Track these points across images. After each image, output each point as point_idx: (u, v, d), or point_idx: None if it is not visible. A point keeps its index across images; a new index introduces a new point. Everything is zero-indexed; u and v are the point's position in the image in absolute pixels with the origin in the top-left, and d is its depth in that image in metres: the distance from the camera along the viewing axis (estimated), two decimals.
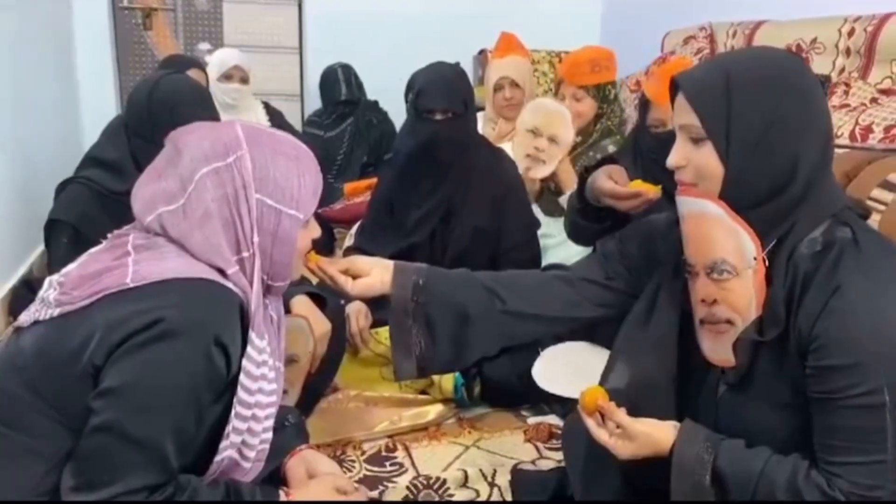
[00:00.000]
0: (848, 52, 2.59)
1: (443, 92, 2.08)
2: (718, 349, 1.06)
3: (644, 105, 1.97)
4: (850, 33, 2.58)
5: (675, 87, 1.08)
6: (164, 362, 0.99)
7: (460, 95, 2.10)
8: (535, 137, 2.32)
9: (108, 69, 3.95)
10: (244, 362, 1.08)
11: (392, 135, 3.88)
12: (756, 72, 1.02)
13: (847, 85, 2.50)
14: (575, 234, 1.71)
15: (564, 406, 1.87)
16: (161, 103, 1.81)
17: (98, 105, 3.71)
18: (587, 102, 2.48)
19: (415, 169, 2.14)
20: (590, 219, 1.57)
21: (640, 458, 1.10)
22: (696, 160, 1.04)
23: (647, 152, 1.89)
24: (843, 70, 2.59)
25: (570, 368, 1.77)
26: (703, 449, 1.03)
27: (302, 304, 1.68)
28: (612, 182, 1.47)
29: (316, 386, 1.75)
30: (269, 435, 1.16)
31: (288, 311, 1.66)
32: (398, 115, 3.89)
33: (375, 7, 4.13)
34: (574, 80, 2.47)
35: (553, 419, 1.92)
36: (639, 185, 1.46)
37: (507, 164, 2.24)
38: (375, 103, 3.95)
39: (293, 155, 1.14)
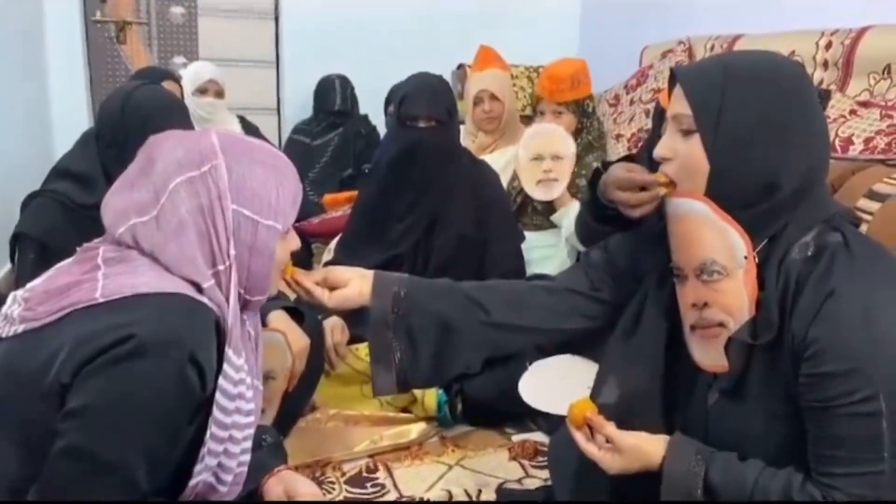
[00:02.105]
0: (826, 64, 2.60)
1: (427, 100, 2.07)
2: (711, 354, 1.03)
3: (659, 115, 1.94)
4: (828, 46, 2.60)
5: (673, 78, 1.07)
6: (135, 381, 0.93)
7: (444, 104, 2.10)
8: (541, 162, 2.33)
9: (80, 82, 3.88)
10: (221, 381, 1.02)
11: (376, 147, 3.86)
12: (754, 71, 1.00)
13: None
14: (586, 239, 1.67)
15: (550, 422, 1.83)
16: (135, 113, 1.75)
17: (70, 118, 3.63)
18: (567, 118, 2.49)
19: (398, 178, 2.12)
20: (601, 220, 1.53)
21: (630, 472, 1.06)
22: (683, 153, 1.02)
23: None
24: (821, 83, 2.61)
25: (557, 383, 1.74)
26: (694, 462, 1.00)
27: (279, 318, 1.63)
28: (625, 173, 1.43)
29: (294, 404, 1.69)
30: (247, 457, 1.11)
31: (264, 325, 1.62)
32: (379, 126, 3.89)
33: (353, 22, 4.11)
34: (554, 97, 2.47)
35: (538, 436, 1.88)
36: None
37: (491, 176, 2.22)
38: (366, 117, 3.93)
39: (271, 164, 1.09)
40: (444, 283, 1.30)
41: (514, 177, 2.54)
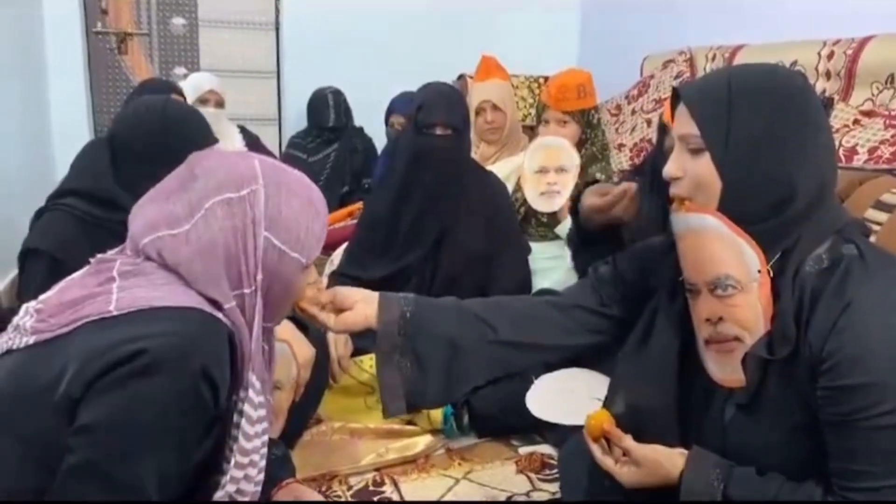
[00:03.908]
0: (828, 74, 2.60)
1: (444, 108, 2.07)
2: (726, 368, 1.02)
3: (661, 129, 1.93)
4: (830, 56, 2.60)
5: (676, 96, 1.05)
6: (148, 398, 0.91)
7: (460, 114, 2.11)
8: (545, 175, 2.33)
9: (80, 93, 3.88)
10: (246, 408, 1.01)
11: (374, 161, 3.86)
12: (759, 87, 0.99)
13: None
14: (578, 265, 1.68)
15: (557, 435, 1.81)
16: (179, 129, 1.66)
17: (70, 129, 3.64)
18: (572, 127, 2.48)
19: (410, 184, 2.11)
20: (590, 244, 1.53)
21: (647, 486, 1.05)
22: (693, 171, 1.01)
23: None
24: (823, 92, 2.61)
25: (564, 395, 1.72)
26: (713, 477, 0.99)
27: (284, 328, 1.62)
28: (598, 196, 1.45)
29: (299, 416, 1.68)
30: (262, 477, 1.09)
31: None
32: (378, 139, 3.89)
33: (353, 33, 4.12)
34: (560, 106, 2.47)
35: (546, 448, 1.87)
36: None
37: (499, 187, 2.22)
38: (361, 130, 3.93)
39: (306, 197, 1.10)
40: (451, 301, 1.28)
41: (518, 187, 2.53)
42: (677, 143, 1.04)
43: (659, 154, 1.95)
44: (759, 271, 0.97)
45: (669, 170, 1.04)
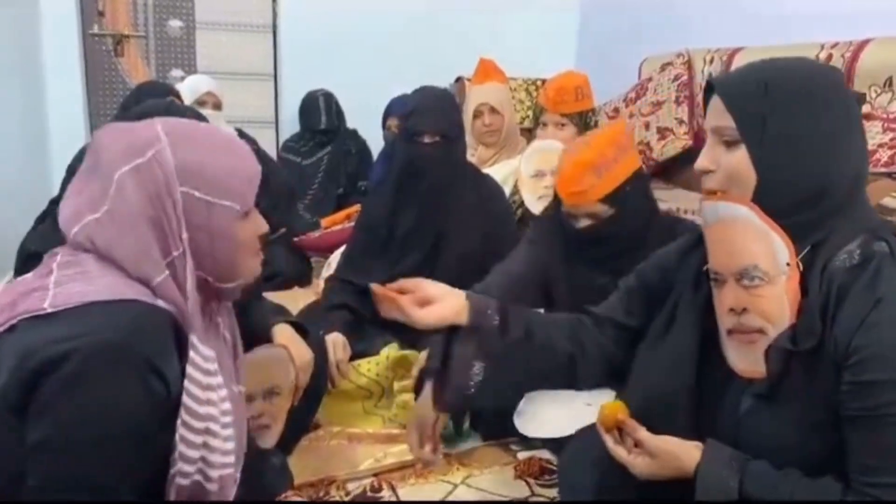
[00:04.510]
0: None
1: (433, 115, 2.06)
2: (748, 359, 1.01)
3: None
4: (828, 59, 2.59)
5: (709, 89, 1.05)
6: (93, 404, 0.88)
7: (450, 119, 2.08)
8: (541, 178, 2.34)
9: (77, 95, 3.86)
10: (189, 370, 0.97)
11: (369, 163, 3.85)
12: (797, 81, 0.99)
13: None
14: None
15: (556, 440, 1.80)
16: None
17: (67, 132, 3.63)
18: (570, 129, 2.49)
19: (402, 194, 2.10)
20: None
21: (660, 478, 1.04)
22: (728, 164, 1.01)
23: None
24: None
25: (552, 409, 1.74)
26: (729, 470, 0.98)
27: (283, 333, 1.62)
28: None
29: (298, 420, 1.67)
30: (232, 451, 1.05)
31: (269, 341, 1.60)
32: (376, 142, 3.89)
33: (351, 34, 4.11)
34: (558, 109, 2.47)
35: (544, 453, 1.85)
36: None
37: (496, 190, 2.21)
38: (354, 132, 3.92)
39: (220, 143, 1.05)
40: (541, 317, 1.31)
41: (515, 190, 2.53)
42: (710, 136, 1.04)
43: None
44: (788, 264, 0.96)
45: (702, 163, 1.05)
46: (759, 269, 0.97)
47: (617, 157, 1.60)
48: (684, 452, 1.02)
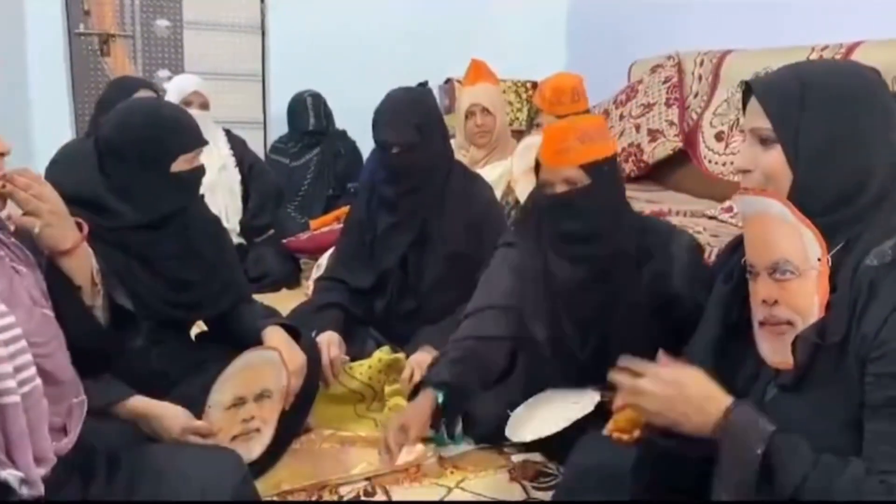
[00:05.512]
0: None
1: (393, 125, 2.05)
2: (778, 350, 1.02)
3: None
4: None
5: (747, 90, 1.07)
6: None
7: (412, 125, 2.05)
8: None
9: (62, 95, 3.82)
10: None
11: (359, 165, 3.82)
12: (832, 83, 1.01)
13: None
14: None
15: (549, 446, 1.78)
16: (172, 127, 1.57)
17: (51, 131, 3.57)
18: None
19: (385, 198, 2.12)
20: None
21: (667, 419, 1.01)
22: (764, 163, 1.03)
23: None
24: None
25: (539, 411, 1.74)
26: (763, 420, 0.96)
27: (274, 335, 1.59)
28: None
29: (290, 424, 1.64)
30: (28, 363, 0.95)
31: (260, 343, 1.57)
32: (365, 143, 3.86)
33: (341, 34, 4.09)
34: (554, 110, 2.46)
35: (538, 456, 1.84)
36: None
37: (483, 189, 2.20)
38: (344, 133, 3.89)
39: None
40: None
41: (509, 190, 2.51)
42: (748, 137, 1.06)
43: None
44: (819, 260, 0.98)
45: (740, 163, 1.07)
46: (789, 264, 0.99)
47: (599, 136, 1.63)
48: (717, 391, 1.01)
